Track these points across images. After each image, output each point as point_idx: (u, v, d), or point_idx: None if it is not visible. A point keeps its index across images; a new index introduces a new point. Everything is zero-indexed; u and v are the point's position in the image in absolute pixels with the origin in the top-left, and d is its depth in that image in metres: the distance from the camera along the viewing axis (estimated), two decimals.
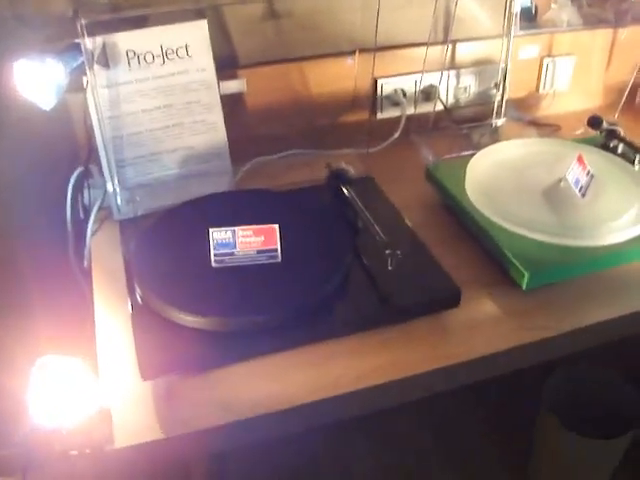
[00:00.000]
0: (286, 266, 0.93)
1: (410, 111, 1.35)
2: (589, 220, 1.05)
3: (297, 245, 0.96)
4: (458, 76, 1.36)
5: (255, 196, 1.09)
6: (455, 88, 1.37)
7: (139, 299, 0.91)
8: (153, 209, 1.10)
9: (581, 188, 1.08)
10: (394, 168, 1.27)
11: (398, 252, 0.92)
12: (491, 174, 1.15)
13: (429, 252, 1.00)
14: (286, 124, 1.29)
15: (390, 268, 0.93)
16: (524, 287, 0.98)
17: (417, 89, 1.34)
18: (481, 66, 1.37)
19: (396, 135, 1.30)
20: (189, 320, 0.86)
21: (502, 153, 1.20)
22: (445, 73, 1.35)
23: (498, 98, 1.34)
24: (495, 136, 1.34)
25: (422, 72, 1.29)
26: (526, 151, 1.21)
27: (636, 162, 1.19)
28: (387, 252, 0.93)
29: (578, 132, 1.38)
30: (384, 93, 1.34)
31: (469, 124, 1.36)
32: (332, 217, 1.03)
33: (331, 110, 1.32)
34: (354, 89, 1.32)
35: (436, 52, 1.33)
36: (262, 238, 0.94)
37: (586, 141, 1.27)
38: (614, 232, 1.02)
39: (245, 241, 0.94)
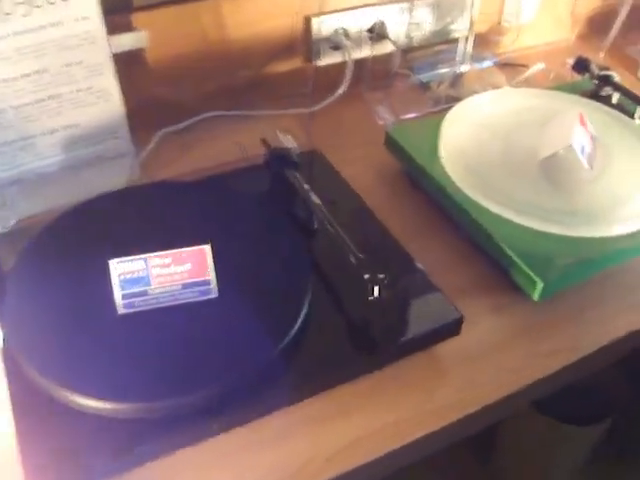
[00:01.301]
0: (225, 304, 0.66)
1: (356, 55, 1.07)
2: (603, 200, 0.83)
3: (237, 268, 0.69)
4: (411, 9, 1.08)
5: (169, 193, 0.81)
6: (408, 25, 1.09)
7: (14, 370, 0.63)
8: (34, 215, 0.79)
9: (588, 157, 0.85)
10: (342, 132, 1.01)
11: (381, 276, 0.67)
12: (471, 140, 0.90)
13: (414, 263, 0.76)
14: (201, 82, 0.99)
15: (372, 298, 0.67)
16: (536, 298, 0.75)
17: (361, 27, 1.06)
18: None
19: (342, 89, 1.02)
20: (86, 406, 0.58)
21: (479, 110, 0.95)
22: (396, 6, 1.07)
23: (463, 35, 1.07)
24: (459, 85, 1.09)
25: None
26: (506, 106, 0.97)
27: (636, 115, 0.97)
28: (366, 277, 0.67)
29: (550, 75, 1.14)
30: (322, 34, 1.05)
31: (429, 72, 1.09)
32: (279, 220, 0.76)
33: (257, 59, 1.03)
34: (284, 30, 1.03)
35: None
36: (188, 266, 0.66)
37: (571, 89, 1.03)
38: (635, 215, 0.80)
39: (164, 273, 0.66)
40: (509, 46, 1.20)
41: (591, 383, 1.31)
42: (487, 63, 1.13)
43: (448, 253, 0.84)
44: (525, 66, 1.16)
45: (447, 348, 0.74)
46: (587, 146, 0.86)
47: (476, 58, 1.13)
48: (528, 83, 1.14)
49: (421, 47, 1.12)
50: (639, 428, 1.45)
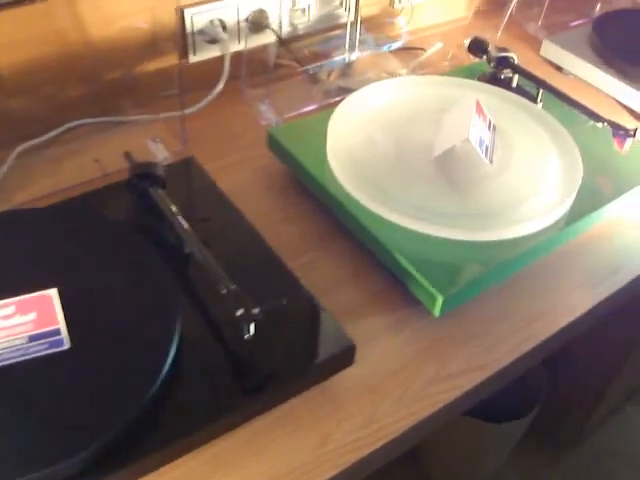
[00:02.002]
0: (80, 355, 0.57)
1: (236, 48, 0.97)
2: (506, 197, 0.76)
3: (93, 311, 0.60)
4: None
5: (11, 224, 0.69)
6: (290, 12, 1.00)
7: None
8: None
9: (487, 150, 0.77)
10: (224, 136, 0.92)
11: (256, 311, 0.58)
12: (361, 137, 0.82)
13: (300, 285, 0.67)
14: (62, 88, 0.88)
15: (247, 336, 0.58)
16: (437, 314, 0.68)
17: (239, 17, 0.96)
18: None
19: (220, 86, 0.92)
20: None
21: (369, 103, 0.87)
22: None
23: (349, 20, 0.98)
24: (350, 75, 1.00)
25: None
26: (399, 97, 0.89)
27: (539, 99, 0.90)
28: (239, 314, 0.58)
29: (448, 57, 1.07)
30: (196, 27, 0.95)
31: (316, 63, 1.00)
32: (143, 248, 0.66)
33: (125, 59, 0.92)
34: (153, 25, 0.92)
35: None
36: (34, 315, 0.56)
37: (469, 72, 0.96)
38: (540, 213, 0.74)
39: (5, 325, 0.56)
40: (403, 28, 1.11)
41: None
42: (380, 48, 1.04)
43: (344, 266, 0.76)
44: (422, 49, 1.08)
45: (344, 378, 0.66)
46: (486, 138, 0.79)
47: (368, 44, 1.04)
48: (426, 67, 1.06)
49: (307, 35, 1.02)
50: (559, 419, 1.41)
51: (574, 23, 1.14)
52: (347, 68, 1.00)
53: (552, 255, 0.78)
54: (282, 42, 0.96)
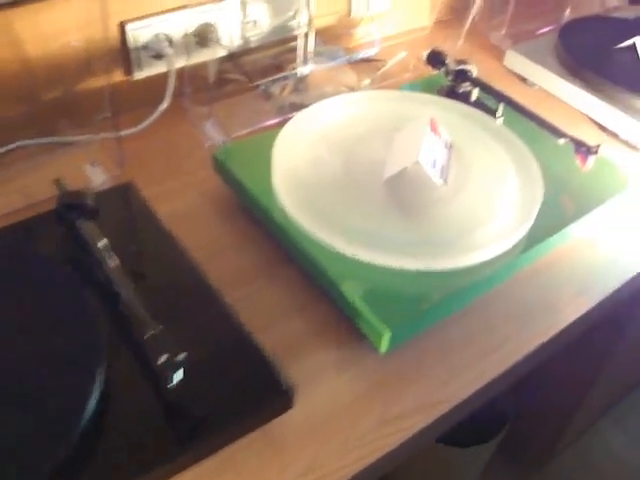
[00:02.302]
0: None
1: (183, 64, 0.92)
2: (460, 222, 0.72)
3: (9, 356, 0.55)
4: (244, 6, 0.94)
5: None
6: (242, 24, 0.95)
7: None
8: None
9: (441, 170, 0.73)
10: (168, 157, 0.87)
11: (180, 358, 0.53)
12: (309, 157, 0.77)
13: (235, 321, 0.62)
14: None
15: (171, 386, 0.54)
16: (384, 350, 0.63)
17: (186, 31, 0.91)
18: None
19: (164, 104, 0.88)
20: None
21: (320, 121, 0.82)
22: (224, 3, 0.92)
23: (302, 32, 0.94)
24: (303, 91, 0.95)
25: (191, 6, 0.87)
26: (352, 113, 0.85)
27: (498, 113, 0.85)
28: (162, 361, 0.53)
29: (410, 68, 1.03)
30: (139, 42, 0.90)
31: (268, 77, 0.95)
32: (68, 289, 0.61)
33: (62, 78, 0.87)
34: (93, 41, 0.87)
35: None
36: None
37: (428, 86, 0.92)
38: (497, 237, 0.69)
39: None
40: (362, 39, 1.07)
41: None
42: (337, 61, 1.00)
43: (290, 297, 0.71)
44: (381, 60, 1.04)
45: (286, 420, 0.61)
46: (441, 158, 0.74)
47: (325, 56, 0.99)
48: (387, 79, 1.02)
49: (260, 48, 0.98)
50: (529, 439, 1.37)
51: (541, 31, 1.10)
52: (301, 83, 0.96)
53: (513, 278, 0.74)
54: (230, 56, 0.91)
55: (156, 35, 0.91)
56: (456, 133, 0.81)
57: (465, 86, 0.88)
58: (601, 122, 0.97)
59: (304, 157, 0.77)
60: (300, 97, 0.95)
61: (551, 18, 1.13)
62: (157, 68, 0.93)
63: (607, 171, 0.83)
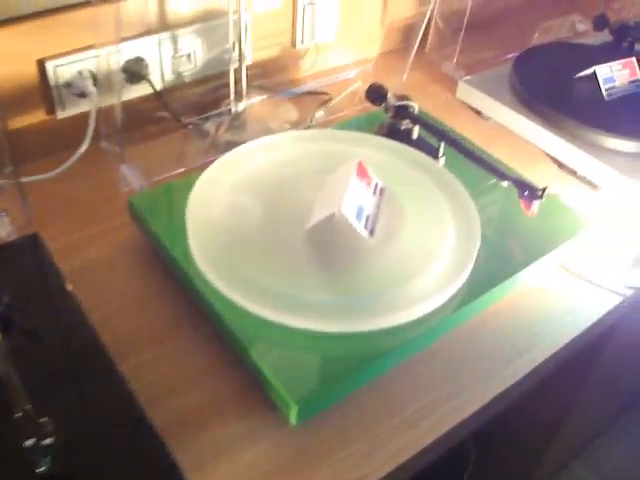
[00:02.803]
0: None
1: (110, 102, 0.86)
2: (385, 278, 0.65)
3: None
4: (174, 39, 0.89)
5: None
6: (173, 59, 0.89)
7: None
8: None
9: (367, 220, 0.67)
10: (83, 203, 0.81)
11: (47, 442, 0.47)
12: (227, 207, 0.71)
13: (130, 396, 0.56)
14: None
15: (40, 470, 0.47)
16: (294, 422, 0.57)
17: (110, 67, 0.85)
18: (208, 21, 0.90)
19: (84, 147, 0.82)
20: None
21: (244, 164, 0.76)
22: (155, 37, 0.87)
23: (236, 65, 0.88)
24: (240, 128, 0.90)
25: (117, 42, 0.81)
26: (281, 156, 0.78)
27: (440, 152, 0.79)
28: (28, 444, 0.47)
29: (356, 99, 0.97)
30: (61, 80, 0.84)
31: (202, 115, 0.90)
32: None
33: None
34: (13, 79, 0.82)
35: (136, 7, 0.85)
36: None
37: (367, 122, 0.86)
38: (426, 294, 0.63)
39: None
40: (308, 71, 1.01)
41: None
42: (279, 95, 0.94)
43: (200, 360, 0.66)
44: (327, 94, 0.98)
45: None
46: (368, 206, 0.68)
47: (265, 90, 0.94)
48: (334, 113, 0.96)
49: (194, 84, 0.92)
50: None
51: (503, 59, 1.04)
52: (237, 120, 0.90)
53: (447, 336, 0.67)
54: (158, 93, 0.86)
55: (80, 72, 0.85)
56: (391, 176, 0.75)
57: (406, 123, 0.82)
58: (558, 159, 0.91)
59: (223, 205, 0.71)
60: (237, 135, 0.89)
61: (514, 46, 1.07)
62: (82, 107, 0.87)
63: (561, 213, 0.78)
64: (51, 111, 0.87)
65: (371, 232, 0.67)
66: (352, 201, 0.67)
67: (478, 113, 0.99)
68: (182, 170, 0.83)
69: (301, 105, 0.97)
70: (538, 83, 0.95)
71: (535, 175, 0.85)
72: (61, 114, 0.87)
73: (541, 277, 0.75)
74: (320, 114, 0.96)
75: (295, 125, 0.93)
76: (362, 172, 0.70)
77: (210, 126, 0.89)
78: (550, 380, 0.82)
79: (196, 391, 0.63)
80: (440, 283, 0.65)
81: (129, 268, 0.74)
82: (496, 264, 0.70)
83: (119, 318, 0.68)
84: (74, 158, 0.83)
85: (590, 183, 0.90)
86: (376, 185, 0.72)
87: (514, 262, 0.72)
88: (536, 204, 0.72)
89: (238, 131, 0.90)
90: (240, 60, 0.86)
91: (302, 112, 0.95)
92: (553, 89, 0.95)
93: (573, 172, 0.91)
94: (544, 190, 0.72)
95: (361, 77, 1.00)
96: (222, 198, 0.72)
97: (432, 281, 0.65)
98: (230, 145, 0.84)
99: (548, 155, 0.92)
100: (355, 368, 0.60)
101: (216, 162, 0.74)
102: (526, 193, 0.72)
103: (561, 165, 0.91)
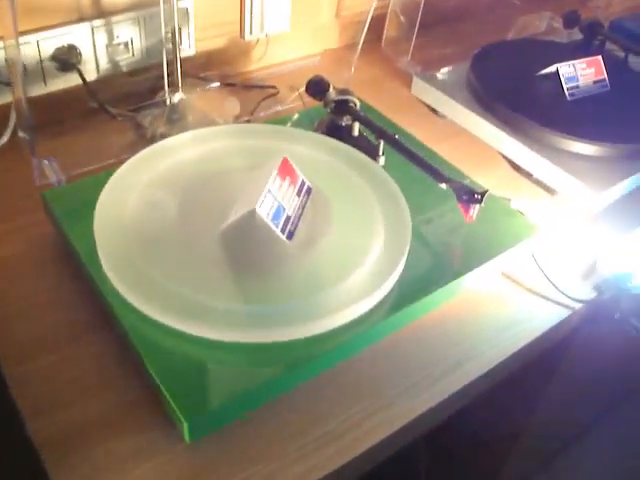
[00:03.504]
0: None
1: (38, 92, 0.82)
2: (303, 284, 0.60)
3: None
4: (109, 27, 0.84)
5: None
6: (109, 47, 0.85)
7: None
8: None
9: (287, 222, 0.62)
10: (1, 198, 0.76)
11: None
12: (140, 205, 0.66)
13: (12, 406, 0.52)
14: None
15: None
16: (187, 439, 0.52)
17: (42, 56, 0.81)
18: (147, 8, 0.86)
19: (4, 139, 0.77)
20: None
21: (166, 160, 0.71)
22: (87, 25, 0.82)
23: (174, 55, 0.83)
24: (177, 121, 0.85)
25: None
26: (207, 152, 0.73)
27: (380, 151, 0.74)
28: None
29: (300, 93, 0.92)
30: None
31: (136, 105, 0.85)
32: None
33: None
34: None
35: None
36: None
37: (307, 117, 0.81)
38: (344, 304, 0.58)
39: None
40: (256, 64, 0.96)
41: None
42: (219, 87, 0.89)
43: (100, 368, 0.61)
44: (273, 87, 0.93)
45: None
46: (290, 206, 0.63)
47: (206, 81, 0.89)
48: (273, 108, 0.91)
49: (132, 73, 0.87)
50: None
51: (461, 57, 0.99)
52: (174, 113, 0.85)
53: (386, 340, 0.63)
54: (87, 83, 0.81)
55: (6, 60, 0.80)
56: (324, 175, 0.70)
57: (347, 119, 0.77)
58: (514, 160, 0.86)
59: (136, 203, 0.66)
60: (174, 128, 0.84)
61: (478, 43, 1.01)
62: (7, 96, 0.82)
63: (509, 218, 0.73)
64: None
65: (290, 235, 0.63)
66: (270, 201, 0.62)
67: (434, 111, 0.93)
68: (110, 163, 0.77)
69: (246, 98, 0.92)
70: (497, 81, 0.90)
71: (489, 177, 0.80)
72: None
73: (482, 285, 0.70)
74: (261, 108, 0.90)
75: (237, 119, 0.88)
76: (286, 169, 0.66)
77: (144, 119, 0.84)
78: (500, 394, 0.78)
79: (92, 402, 0.58)
80: (361, 291, 0.60)
81: (39, 267, 0.69)
82: (429, 271, 0.66)
83: (21, 320, 0.63)
84: None
85: (546, 188, 0.84)
86: (302, 184, 0.67)
87: (450, 269, 0.67)
88: (475, 209, 0.67)
89: (175, 124, 0.85)
90: (175, 49, 0.81)
91: (246, 106, 0.90)
92: (512, 87, 0.90)
93: (529, 175, 0.86)
94: (483, 194, 0.67)
95: (312, 71, 0.94)
96: (136, 195, 0.67)
97: (353, 289, 0.60)
98: (165, 138, 0.79)
99: (504, 157, 0.87)
100: (258, 384, 0.55)
101: (133, 157, 0.69)
102: (464, 197, 0.67)
103: (517, 167, 0.86)
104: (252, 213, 0.60)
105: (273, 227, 0.61)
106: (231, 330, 0.57)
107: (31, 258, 0.70)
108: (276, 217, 0.62)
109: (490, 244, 0.69)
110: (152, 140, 0.83)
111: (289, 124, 0.83)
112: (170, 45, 0.84)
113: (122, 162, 0.72)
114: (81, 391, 0.59)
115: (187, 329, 0.57)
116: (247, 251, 0.62)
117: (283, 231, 0.62)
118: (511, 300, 0.71)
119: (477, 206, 0.67)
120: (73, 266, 0.68)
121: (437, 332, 0.67)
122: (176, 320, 0.57)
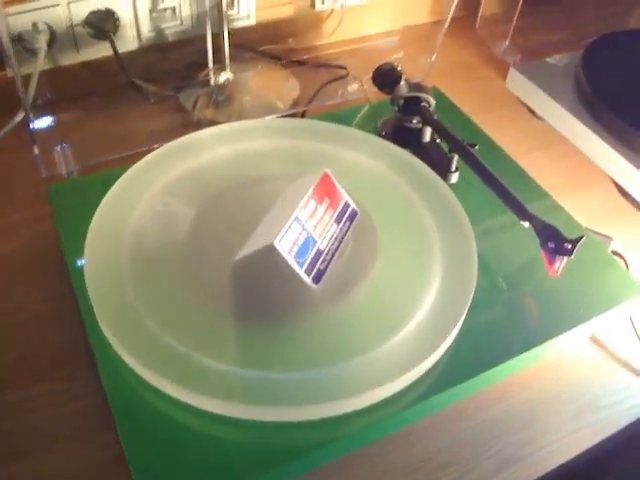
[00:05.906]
0: None
1: (67, 62, 0.72)
2: (329, 345, 0.48)
3: None
4: None
5: None
6: (154, 13, 0.73)
7: None
8: None
9: (314, 260, 0.49)
10: (7, 186, 0.66)
11: None
12: (144, 217, 0.55)
13: None
14: None
15: None
16: None
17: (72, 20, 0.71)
18: None
19: (19, 117, 0.67)
20: None
21: (184, 160, 0.60)
22: None
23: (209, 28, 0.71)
24: (223, 105, 0.72)
25: None
26: (232, 154, 0.61)
27: (452, 167, 0.60)
28: None
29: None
30: (13, 31, 0.70)
31: (177, 83, 0.73)
32: None
33: None
34: None
35: None
36: None
37: (372, 113, 0.67)
38: (376, 381, 0.45)
39: None
40: (328, 38, 0.82)
41: None
42: (282, 66, 0.76)
43: (72, 413, 0.51)
44: (343, 67, 0.79)
45: None
46: (324, 238, 0.50)
47: (265, 56, 0.76)
48: (346, 94, 0.77)
49: (179, 44, 0.75)
50: None
51: (572, 46, 0.81)
52: (221, 94, 0.72)
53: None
54: (118, 55, 0.69)
55: (34, 23, 0.70)
56: (375, 194, 0.56)
57: (417, 121, 0.63)
58: (624, 186, 0.69)
59: (142, 214, 0.54)
60: (219, 113, 0.72)
61: (595, 29, 0.83)
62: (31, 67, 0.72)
63: (605, 268, 0.57)
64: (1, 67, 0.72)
65: (318, 277, 0.50)
66: (297, 231, 0.49)
67: (532, 111, 0.77)
68: (136, 153, 0.66)
69: (309, 80, 0.78)
70: (613, 83, 0.73)
71: (587, 203, 0.64)
72: (11, 72, 0.72)
73: (558, 353, 0.56)
74: (328, 93, 0.77)
75: (294, 105, 0.74)
76: (326, 188, 0.52)
77: (186, 100, 0.72)
78: None
79: (54, 456, 0.48)
80: (401, 363, 0.47)
81: (36, 273, 0.59)
82: (493, 338, 0.51)
83: (10, 334, 0.54)
84: (8, 127, 0.68)
85: None
86: (345, 207, 0.53)
87: (520, 336, 0.52)
88: (562, 261, 0.52)
89: (220, 108, 0.73)
90: (222, 18, 0.68)
91: (307, 90, 0.76)
92: (634, 94, 0.72)
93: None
94: (576, 244, 0.51)
95: (389, 52, 0.80)
96: (145, 203, 0.55)
97: (391, 359, 0.47)
98: (210, 125, 0.67)
99: (612, 180, 0.71)
100: (248, 472, 0.43)
101: (148, 155, 0.58)
102: (550, 244, 0.52)
103: (626, 194, 0.69)
104: (270, 248, 0.48)
105: (296, 268, 0.48)
106: (219, 399, 0.45)
107: (29, 261, 0.62)
108: (302, 253, 0.49)
109: (577, 303, 0.54)
110: (198, 126, 0.71)
111: (354, 121, 0.69)
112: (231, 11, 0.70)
113: (150, 152, 0.61)
114: (40, 441, 0.50)
115: (168, 390, 0.45)
116: (261, 296, 0.50)
117: (309, 272, 0.49)
118: (595, 370, 0.56)
119: (565, 258, 0.52)
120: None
121: (496, 410, 0.53)
122: (156, 377, 0.46)
